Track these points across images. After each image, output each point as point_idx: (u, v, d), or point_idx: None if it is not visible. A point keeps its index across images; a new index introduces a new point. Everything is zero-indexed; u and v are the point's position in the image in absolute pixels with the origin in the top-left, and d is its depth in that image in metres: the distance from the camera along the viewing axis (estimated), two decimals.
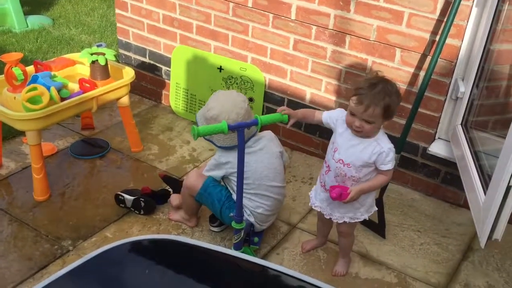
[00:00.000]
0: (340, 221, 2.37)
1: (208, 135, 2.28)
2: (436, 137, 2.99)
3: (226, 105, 2.43)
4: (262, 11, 3.20)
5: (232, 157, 2.43)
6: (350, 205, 2.30)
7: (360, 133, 2.16)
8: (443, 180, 3.02)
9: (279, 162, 2.60)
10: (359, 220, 2.38)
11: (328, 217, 2.39)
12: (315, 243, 2.68)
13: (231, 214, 2.42)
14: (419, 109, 2.74)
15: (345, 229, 2.44)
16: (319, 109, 3.22)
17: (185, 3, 3.49)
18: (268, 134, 2.62)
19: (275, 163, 2.56)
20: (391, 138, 3.02)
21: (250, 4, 3.22)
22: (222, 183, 2.61)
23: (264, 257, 2.62)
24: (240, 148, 2.21)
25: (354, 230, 2.52)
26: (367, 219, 2.40)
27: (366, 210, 2.36)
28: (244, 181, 2.35)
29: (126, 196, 2.82)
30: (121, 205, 2.84)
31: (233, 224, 2.36)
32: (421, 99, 2.65)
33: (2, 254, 2.55)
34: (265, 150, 2.54)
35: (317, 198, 2.41)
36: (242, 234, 2.38)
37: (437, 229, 2.86)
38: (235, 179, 2.38)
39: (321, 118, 2.33)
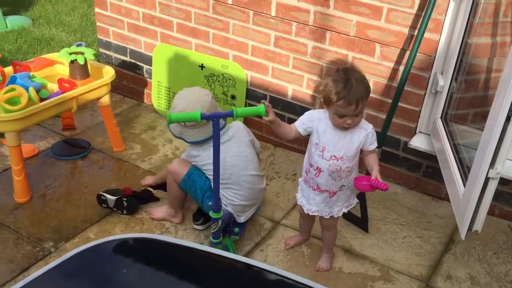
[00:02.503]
0: (340, 214, 2.39)
1: (181, 122, 2.32)
2: (417, 131, 3.01)
3: (190, 100, 2.52)
4: (242, 8, 3.20)
5: (202, 149, 2.53)
6: (345, 195, 2.34)
7: (351, 127, 2.19)
8: (424, 174, 3.05)
9: (250, 150, 2.63)
10: (353, 206, 2.43)
11: (328, 216, 2.38)
12: (299, 239, 2.69)
13: (210, 203, 2.43)
14: (399, 104, 2.76)
15: (331, 222, 2.45)
16: (301, 107, 3.24)
17: (164, 1, 3.48)
18: (236, 124, 2.66)
19: (245, 151, 2.59)
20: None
21: (230, 1, 3.22)
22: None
23: (248, 254, 2.62)
24: (215, 138, 2.21)
25: (338, 224, 2.53)
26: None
27: (353, 191, 2.38)
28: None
29: (108, 196, 2.80)
30: (103, 205, 2.82)
31: (211, 213, 2.36)
32: (401, 93, 2.66)
33: None
34: (234, 140, 2.58)
35: (311, 203, 2.37)
36: (220, 223, 2.38)
37: (419, 222, 2.88)
38: (206, 171, 2.52)
39: (297, 129, 2.28)
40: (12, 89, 2.65)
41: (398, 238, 2.77)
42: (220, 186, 2.43)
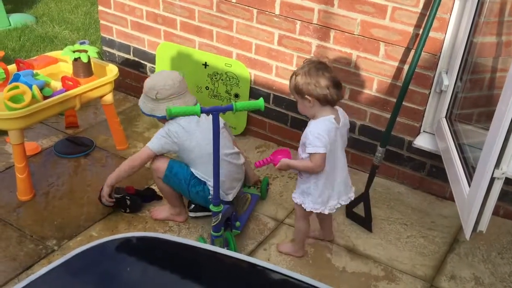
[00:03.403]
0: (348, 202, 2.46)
1: (181, 115, 2.32)
2: (421, 131, 3.00)
3: (156, 79, 2.62)
4: (246, 6, 3.18)
5: (177, 123, 2.57)
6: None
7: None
8: (428, 173, 3.04)
9: (224, 131, 2.67)
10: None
11: (348, 202, 2.46)
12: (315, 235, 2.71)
13: (210, 197, 2.47)
14: (404, 103, 2.75)
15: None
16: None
17: None
18: None
19: (221, 132, 2.59)
20: (376, 132, 3.05)
21: (234, 0, 3.21)
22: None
23: (251, 253, 2.61)
24: (215, 132, 2.21)
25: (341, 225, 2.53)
26: None
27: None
28: (193, 156, 2.56)
29: (112, 195, 2.79)
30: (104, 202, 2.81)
31: (211, 206, 2.37)
32: (405, 92, 2.65)
33: None
34: (206, 121, 2.53)
35: (342, 195, 2.40)
36: (220, 216, 2.38)
37: (423, 222, 2.87)
38: (185, 154, 2.59)
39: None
40: (16, 87, 2.65)
41: (402, 238, 2.76)
42: (203, 167, 2.53)
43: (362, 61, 2.95)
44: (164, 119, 2.64)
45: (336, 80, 2.21)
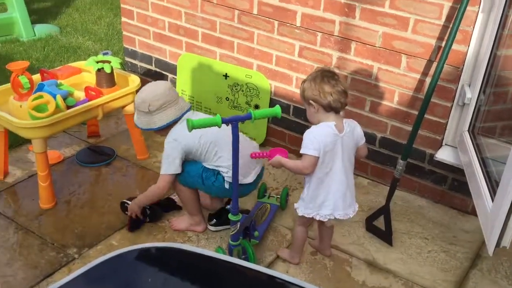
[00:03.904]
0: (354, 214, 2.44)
1: (202, 127, 2.26)
2: (443, 144, 2.96)
3: (145, 92, 2.60)
4: (268, 18, 3.20)
5: (178, 129, 2.57)
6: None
7: None
8: (450, 187, 2.99)
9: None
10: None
11: (346, 218, 2.41)
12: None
13: (228, 207, 2.48)
14: (426, 115, 2.73)
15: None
16: None
17: (190, 11, 3.51)
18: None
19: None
20: (397, 144, 3.03)
21: (255, 11, 3.23)
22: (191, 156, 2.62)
23: (270, 264, 2.60)
24: (235, 141, 2.24)
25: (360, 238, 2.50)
26: None
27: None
28: (199, 151, 2.54)
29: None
30: (126, 212, 2.83)
31: (230, 216, 2.39)
32: (427, 105, 2.63)
33: (8, 262, 2.55)
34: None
35: (338, 209, 2.38)
36: (239, 226, 2.39)
37: (444, 236, 2.83)
38: (191, 154, 2.57)
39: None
40: (40, 97, 2.70)
41: (423, 252, 2.72)
42: (216, 162, 2.54)
43: (384, 73, 2.93)
44: (160, 131, 2.63)
45: (341, 88, 2.24)
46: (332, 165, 2.30)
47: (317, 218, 2.39)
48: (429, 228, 2.88)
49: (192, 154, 2.59)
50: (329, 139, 2.26)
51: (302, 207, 2.40)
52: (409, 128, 2.89)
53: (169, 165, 2.56)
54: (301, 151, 2.28)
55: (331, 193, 2.34)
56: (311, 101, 2.26)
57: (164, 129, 2.61)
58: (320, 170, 2.30)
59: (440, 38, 2.69)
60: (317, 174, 2.31)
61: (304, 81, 2.32)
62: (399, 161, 2.69)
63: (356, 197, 3.07)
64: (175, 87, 3.79)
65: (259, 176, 2.70)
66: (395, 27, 2.79)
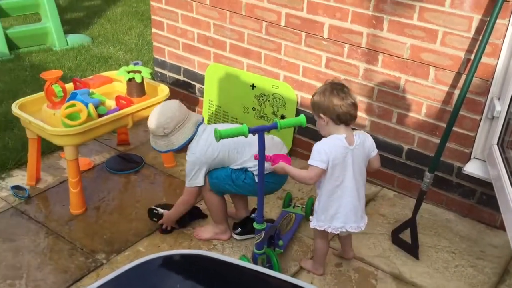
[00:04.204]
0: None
1: (230, 137, 2.30)
2: (472, 157, 2.93)
3: (156, 117, 2.63)
4: (295, 30, 3.23)
5: (195, 144, 2.62)
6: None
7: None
8: (478, 201, 2.96)
9: None
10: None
11: (358, 230, 2.44)
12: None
13: (253, 215, 2.53)
14: (454, 128, 2.71)
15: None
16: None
17: (219, 22, 3.56)
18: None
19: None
20: (424, 156, 3.01)
21: (283, 23, 3.26)
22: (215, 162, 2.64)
23: (294, 275, 2.61)
24: (261, 149, 2.28)
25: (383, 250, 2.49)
26: None
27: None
28: (221, 157, 2.58)
29: (160, 210, 2.85)
30: (154, 219, 2.88)
31: (255, 224, 2.41)
32: (456, 118, 2.61)
33: (39, 266, 2.62)
34: (219, 127, 2.59)
35: (349, 221, 2.40)
36: (263, 234, 2.41)
37: (472, 251, 2.79)
38: (215, 162, 2.61)
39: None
40: (73, 105, 2.78)
41: (450, 266, 2.69)
42: (239, 162, 2.57)
43: (411, 85, 2.92)
44: (180, 150, 2.67)
45: (351, 101, 2.27)
46: (343, 178, 2.32)
47: (329, 230, 2.41)
48: (456, 242, 2.85)
49: (215, 162, 2.63)
50: (339, 151, 2.28)
51: (315, 220, 2.43)
52: (437, 141, 2.86)
53: (193, 178, 2.63)
54: (309, 162, 2.30)
55: (342, 205, 2.36)
56: (320, 114, 2.29)
57: (184, 148, 2.66)
58: (330, 183, 2.32)
59: (469, 51, 2.68)
60: (327, 186, 2.34)
61: (314, 94, 2.35)
62: (426, 173, 2.68)
63: (382, 209, 3.08)
64: (203, 97, 3.84)
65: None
66: (423, 39, 2.79)
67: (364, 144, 2.36)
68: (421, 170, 3.05)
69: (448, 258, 2.74)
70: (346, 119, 2.28)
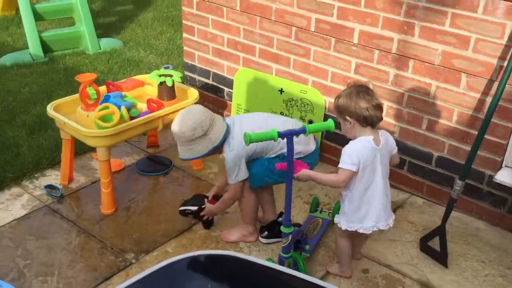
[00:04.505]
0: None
1: (259, 141, 2.31)
2: (503, 165, 2.88)
3: (188, 120, 2.56)
4: (325, 35, 3.24)
5: (231, 140, 2.61)
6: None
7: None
8: (510, 210, 2.90)
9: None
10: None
11: (387, 228, 2.45)
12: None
13: (280, 219, 2.58)
14: (486, 136, 2.67)
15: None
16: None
17: (249, 27, 3.60)
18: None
19: (260, 115, 2.84)
20: (454, 164, 2.97)
21: (312, 29, 3.28)
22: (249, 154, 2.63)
23: (321, 279, 2.60)
24: (290, 155, 2.29)
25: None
26: None
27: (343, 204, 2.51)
28: (265, 150, 2.60)
29: (193, 208, 2.85)
30: (189, 216, 2.88)
31: (282, 228, 2.42)
32: (488, 125, 2.57)
33: (70, 263, 2.68)
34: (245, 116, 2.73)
35: (381, 220, 2.41)
36: (290, 238, 2.42)
37: (502, 260, 2.74)
38: (258, 154, 2.62)
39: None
40: (106, 107, 2.84)
41: (479, 275, 2.65)
42: (277, 149, 2.59)
43: (442, 92, 2.90)
44: (216, 150, 2.62)
45: (376, 102, 2.29)
46: (373, 179, 2.35)
47: (361, 231, 2.41)
48: (486, 252, 2.80)
49: (254, 154, 2.63)
50: (369, 153, 2.30)
51: (345, 221, 2.43)
52: (468, 148, 2.83)
53: (236, 174, 2.63)
54: (339, 166, 2.31)
55: (373, 205, 2.38)
56: (347, 117, 2.30)
57: (220, 146, 2.63)
58: (361, 185, 2.34)
59: (501, 58, 2.64)
60: (358, 188, 2.35)
61: (338, 97, 2.35)
62: (457, 181, 2.64)
63: (410, 217, 3.06)
64: (231, 101, 3.88)
65: (317, 150, 2.74)
66: (455, 46, 2.76)
67: (388, 143, 2.39)
68: (451, 178, 3.02)
69: (478, 267, 2.70)
70: (373, 121, 2.30)
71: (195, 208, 2.86)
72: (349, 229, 2.43)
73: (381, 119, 2.33)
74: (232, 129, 2.64)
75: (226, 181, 2.80)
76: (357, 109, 2.27)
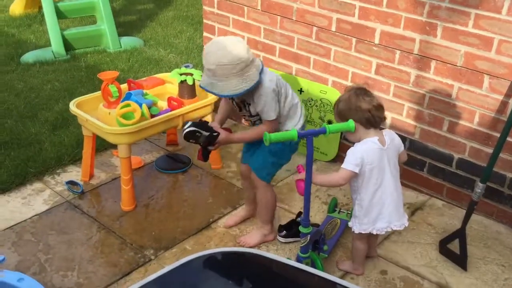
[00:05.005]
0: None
1: (279, 141, 2.28)
2: None
3: (230, 49, 2.32)
4: (345, 35, 3.23)
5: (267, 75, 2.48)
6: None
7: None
8: None
9: None
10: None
11: (402, 228, 2.45)
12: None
13: (299, 219, 2.57)
14: (508, 138, 2.64)
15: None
16: (399, 135, 3.20)
17: (269, 27, 3.60)
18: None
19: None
20: (475, 166, 2.94)
21: (333, 28, 3.27)
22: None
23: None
24: (309, 154, 2.27)
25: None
26: None
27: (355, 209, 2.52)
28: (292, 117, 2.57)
29: (204, 133, 2.54)
30: (191, 141, 2.56)
31: (300, 228, 2.42)
32: (510, 127, 2.54)
33: (90, 259, 2.72)
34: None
35: (393, 220, 2.41)
36: (308, 238, 2.43)
37: None
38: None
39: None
40: (127, 105, 2.87)
41: (499, 279, 2.62)
42: (301, 124, 2.57)
43: (464, 93, 2.87)
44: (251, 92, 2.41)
45: (376, 103, 2.30)
46: (382, 179, 2.35)
47: (374, 232, 2.43)
48: (507, 255, 2.77)
49: (286, 109, 2.57)
50: (376, 154, 2.32)
51: (357, 224, 2.44)
52: (489, 150, 2.80)
53: (274, 109, 2.47)
54: (342, 165, 2.32)
55: (385, 206, 2.39)
56: (350, 121, 2.29)
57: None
58: (370, 186, 2.35)
59: None
60: (368, 190, 2.36)
61: (338, 102, 2.37)
62: (478, 184, 2.62)
63: (430, 219, 3.04)
64: None
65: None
66: (478, 47, 2.73)
67: (394, 141, 2.40)
68: (472, 180, 2.99)
69: (498, 271, 2.67)
70: (376, 122, 2.32)
71: (206, 133, 2.54)
72: (363, 232, 2.44)
73: (384, 119, 2.36)
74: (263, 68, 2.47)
75: (226, 116, 2.69)
76: (358, 111, 2.29)
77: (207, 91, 2.46)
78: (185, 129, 2.54)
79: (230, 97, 2.53)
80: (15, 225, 2.93)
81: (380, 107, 2.32)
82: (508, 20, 2.60)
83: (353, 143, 2.39)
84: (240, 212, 3.01)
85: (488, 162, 2.61)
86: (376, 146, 2.32)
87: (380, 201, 2.38)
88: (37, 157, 3.46)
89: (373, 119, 2.30)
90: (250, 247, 2.80)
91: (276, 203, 2.83)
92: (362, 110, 2.28)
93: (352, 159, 2.30)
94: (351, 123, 2.29)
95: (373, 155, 2.31)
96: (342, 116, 2.35)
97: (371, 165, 2.31)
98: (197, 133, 2.55)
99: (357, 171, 2.30)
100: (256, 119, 2.62)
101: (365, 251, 2.58)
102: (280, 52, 3.62)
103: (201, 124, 2.58)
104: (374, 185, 2.35)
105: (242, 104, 2.60)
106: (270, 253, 2.72)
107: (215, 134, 2.57)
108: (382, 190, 2.37)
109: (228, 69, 2.33)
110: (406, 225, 2.46)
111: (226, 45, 2.35)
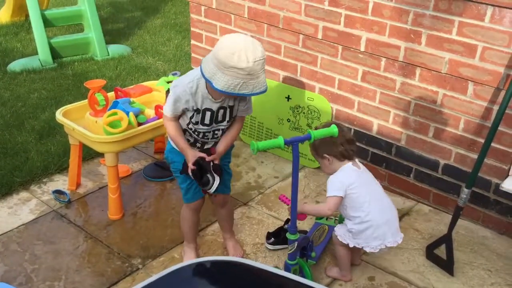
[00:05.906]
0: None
1: (266, 149, 2.25)
2: (510, 173, 2.88)
3: (242, 44, 2.14)
4: (332, 43, 3.26)
5: None
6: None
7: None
8: None
9: None
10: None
11: (395, 245, 2.48)
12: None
13: (286, 226, 2.58)
14: (492, 144, 2.67)
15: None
16: (386, 142, 3.22)
17: (256, 35, 3.62)
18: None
19: None
20: (461, 172, 2.97)
21: (320, 36, 3.29)
22: None
23: (326, 286, 2.61)
24: (295, 162, 2.30)
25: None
26: None
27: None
28: None
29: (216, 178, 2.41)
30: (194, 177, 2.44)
31: (288, 235, 2.44)
32: (494, 133, 2.57)
33: (77, 268, 2.70)
34: None
35: (387, 237, 2.44)
36: (296, 245, 2.44)
37: (509, 269, 2.73)
38: None
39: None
40: (114, 113, 2.87)
41: (485, 284, 2.64)
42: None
43: (449, 100, 2.90)
44: None
45: (348, 137, 2.48)
46: (371, 196, 2.44)
47: (368, 250, 2.47)
48: (493, 260, 2.79)
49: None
50: (353, 176, 2.44)
51: (351, 238, 2.49)
52: (474, 156, 2.83)
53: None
54: (327, 195, 2.43)
55: (378, 223, 2.43)
56: (325, 154, 2.47)
57: None
58: (358, 206, 2.43)
59: (509, 66, 2.64)
60: (357, 211, 2.43)
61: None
62: (464, 189, 2.64)
63: (416, 224, 3.05)
64: None
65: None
66: (462, 54, 2.77)
67: (366, 169, 2.55)
68: (458, 186, 3.02)
69: (484, 276, 2.69)
70: (349, 155, 2.47)
71: (215, 175, 2.40)
72: (357, 246, 2.48)
73: (356, 151, 2.51)
74: None
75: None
76: (333, 145, 2.44)
77: (231, 94, 2.23)
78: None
79: (238, 99, 2.43)
80: (1, 235, 2.91)
81: (351, 141, 2.49)
82: (491, 28, 2.64)
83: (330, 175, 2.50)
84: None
85: (473, 168, 2.63)
86: (352, 169, 2.46)
87: (371, 221, 2.42)
88: (24, 166, 3.43)
89: (346, 152, 2.46)
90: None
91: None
92: (336, 144, 2.43)
93: (333, 186, 2.43)
94: (334, 128, 2.32)
95: (350, 177, 2.43)
96: (317, 150, 2.50)
97: (353, 184, 2.41)
98: (200, 161, 2.40)
99: (342, 194, 2.41)
100: (227, 125, 2.47)
101: (348, 256, 2.61)
102: (268, 60, 3.64)
103: (200, 167, 2.40)
104: (361, 204, 2.42)
105: (224, 109, 2.42)
106: (258, 261, 2.75)
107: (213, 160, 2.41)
108: (373, 205, 2.43)
109: (263, 63, 2.19)
110: (399, 242, 2.49)
111: (251, 40, 2.19)
